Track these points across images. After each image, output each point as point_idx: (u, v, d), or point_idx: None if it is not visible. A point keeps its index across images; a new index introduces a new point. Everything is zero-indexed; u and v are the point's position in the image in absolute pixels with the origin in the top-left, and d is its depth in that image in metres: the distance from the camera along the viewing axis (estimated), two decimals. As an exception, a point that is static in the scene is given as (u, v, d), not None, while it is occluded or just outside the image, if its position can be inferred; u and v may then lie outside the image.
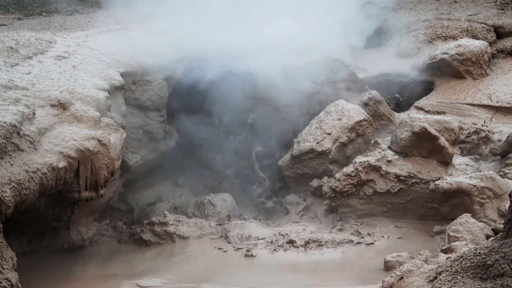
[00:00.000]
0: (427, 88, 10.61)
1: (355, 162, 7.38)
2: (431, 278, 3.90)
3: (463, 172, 7.31)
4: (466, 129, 9.01)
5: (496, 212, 6.56)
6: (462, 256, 3.73)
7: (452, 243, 5.57)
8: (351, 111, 8.25)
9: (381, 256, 6.35)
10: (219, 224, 7.30)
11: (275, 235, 6.94)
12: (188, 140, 9.14)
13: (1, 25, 11.60)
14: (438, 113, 9.48)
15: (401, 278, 4.31)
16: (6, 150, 4.80)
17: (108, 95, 6.85)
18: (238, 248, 6.75)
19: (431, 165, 7.27)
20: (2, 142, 4.78)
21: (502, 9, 12.15)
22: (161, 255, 6.90)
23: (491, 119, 9.26)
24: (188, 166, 9.24)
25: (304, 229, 7.09)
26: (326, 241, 6.76)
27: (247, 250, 6.62)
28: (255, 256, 6.57)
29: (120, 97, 7.54)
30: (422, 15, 12.07)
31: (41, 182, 5.08)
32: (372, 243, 6.76)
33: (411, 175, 7.21)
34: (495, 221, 6.43)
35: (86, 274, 6.30)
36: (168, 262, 6.68)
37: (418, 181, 7.21)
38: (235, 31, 8.70)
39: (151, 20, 9.68)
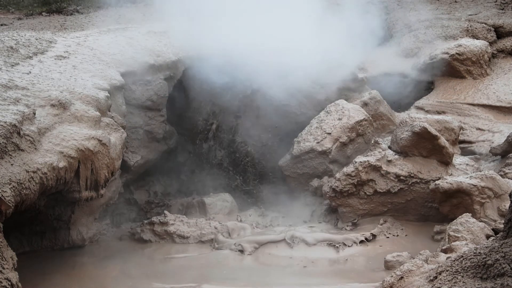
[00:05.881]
0: (427, 87, 10.61)
1: (355, 162, 7.38)
2: (431, 278, 3.90)
3: (463, 172, 7.30)
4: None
5: (496, 212, 6.56)
6: (462, 256, 3.73)
7: (452, 243, 5.56)
8: (351, 110, 8.25)
9: (381, 256, 6.39)
10: None
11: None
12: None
13: (1, 25, 11.61)
14: (438, 113, 9.48)
15: (401, 278, 4.31)
16: (6, 150, 4.80)
17: (108, 95, 6.85)
18: None
19: (431, 165, 7.26)
20: (2, 142, 4.78)
21: (502, 9, 12.14)
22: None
23: None
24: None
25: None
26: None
27: None
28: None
29: (120, 97, 7.55)
30: (422, 15, 12.07)
31: (41, 182, 5.08)
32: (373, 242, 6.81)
33: (411, 175, 7.21)
34: (495, 221, 6.43)
35: (86, 275, 6.31)
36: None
37: (418, 181, 7.21)
38: (235, 30, 8.69)
39: (151, 20, 9.68)
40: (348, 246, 6.77)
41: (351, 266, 6.51)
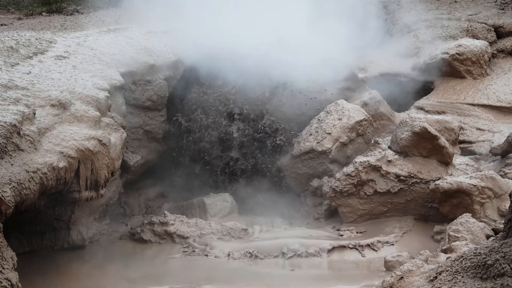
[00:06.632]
0: (427, 88, 10.61)
1: (355, 162, 7.38)
2: (431, 278, 3.90)
3: (463, 172, 7.30)
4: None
5: (496, 212, 6.56)
6: (462, 256, 3.73)
7: (452, 243, 5.57)
8: (351, 110, 8.25)
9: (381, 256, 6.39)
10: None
11: None
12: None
13: (1, 25, 11.61)
14: (438, 113, 9.47)
15: (401, 278, 4.31)
16: (6, 150, 4.80)
17: (108, 95, 6.86)
18: None
19: (431, 165, 7.26)
20: (2, 142, 4.78)
21: (502, 9, 12.14)
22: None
23: None
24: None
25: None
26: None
27: None
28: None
29: (120, 97, 7.55)
30: (422, 15, 12.07)
31: (41, 182, 5.08)
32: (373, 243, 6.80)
33: (411, 175, 7.21)
34: (495, 221, 6.43)
35: (86, 274, 6.31)
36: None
37: (418, 181, 7.21)
38: (234, 30, 8.70)
39: (151, 20, 9.68)
40: (349, 248, 6.73)
41: (351, 268, 6.49)
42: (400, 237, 6.90)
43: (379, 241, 6.81)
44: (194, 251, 6.88)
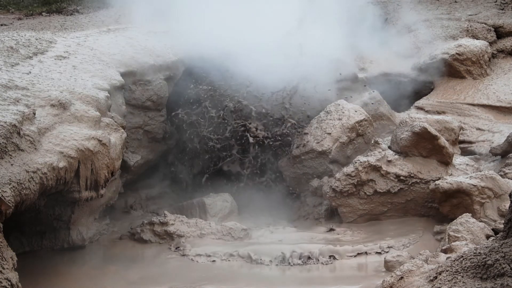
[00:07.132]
0: (427, 88, 10.62)
1: (355, 162, 7.38)
2: (431, 278, 3.90)
3: (463, 172, 7.31)
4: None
5: (496, 212, 6.56)
6: (462, 256, 3.73)
7: (452, 243, 5.57)
8: (351, 111, 8.25)
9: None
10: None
11: None
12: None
13: (1, 25, 11.61)
14: (438, 113, 9.49)
15: (401, 278, 4.31)
16: (6, 150, 4.80)
17: (108, 95, 6.86)
18: None
19: (431, 165, 7.27)
20: (2, 142, 4.78)
21: (502, 9, 12.15)
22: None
23: None
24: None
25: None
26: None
27: None
28: None
29: (120, 97, 7.55)
30: (422, 15, 12.09)
31: (41, 182, 5.08)
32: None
33: (411, 175, 7.21)
34: (495, 221, 6.43)
35: (86, 274, 6.31)
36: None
37: (418, 181, 7.21)
38: (234, 30, 8.70)
39: (151, 20, 9.69)
40: (348, 256, 6.66)
41: (351, 268, 6.47)
42: (414, 243, 6.69)
43: (389, 246, 6.63)
44: (187, 252, 6.87)
